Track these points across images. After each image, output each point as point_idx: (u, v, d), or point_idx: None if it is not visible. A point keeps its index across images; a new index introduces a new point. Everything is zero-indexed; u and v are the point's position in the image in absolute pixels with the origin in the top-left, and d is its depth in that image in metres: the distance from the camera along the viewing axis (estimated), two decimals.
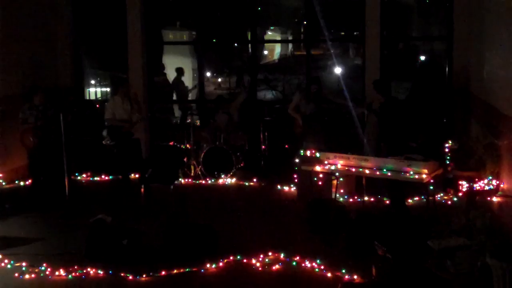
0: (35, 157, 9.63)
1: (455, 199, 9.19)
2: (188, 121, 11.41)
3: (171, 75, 14.59)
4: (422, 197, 8.70)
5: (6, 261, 6.93)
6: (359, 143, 10.12)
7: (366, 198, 8.87)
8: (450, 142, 9.64)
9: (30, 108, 9.60)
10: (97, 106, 12.31)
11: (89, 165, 11.26)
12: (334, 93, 11.09)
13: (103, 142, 10.24)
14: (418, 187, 8.20)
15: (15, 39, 10.99)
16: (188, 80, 15.41)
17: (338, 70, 12.78)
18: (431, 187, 7.86)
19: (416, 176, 7.35)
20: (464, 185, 9.38)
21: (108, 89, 14.80)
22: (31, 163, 9.81)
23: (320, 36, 12.28)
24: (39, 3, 11.80)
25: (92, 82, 14.47)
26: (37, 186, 9.71)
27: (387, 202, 8.66)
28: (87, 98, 13.58)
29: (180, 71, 14.46)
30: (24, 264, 6.83)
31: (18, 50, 11.05)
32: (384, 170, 7.55)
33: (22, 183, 10.77)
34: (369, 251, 6.56)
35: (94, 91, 14.62)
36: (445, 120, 11.52)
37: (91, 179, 11.14)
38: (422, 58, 13.47)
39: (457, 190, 9.35)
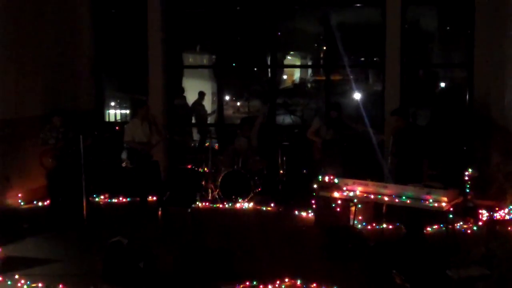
0: (53, 178, 9.70)
1: (475, 228, 9.07)
2: (206, 144, 11.42)
3: (190, 98, 14.66)
4: (442, 225, 8.62)
5: (22, 281, 6.93)
6: (378, 170, 10.05)
7: (384, 226, 8.79)
8: (470, 170, 9.55)
9: (51, 130, 9.69)
10: (117, 128, 12.38)
11: (108, 186, 11.30)
12: (354, 119, 11.05)
13: (122, 164, 10.28)
14: (437, 215, 8.11)
15: (36, 61, 11.14)
16: (207, 103, 15.47)
17: (357, 96, 12.76)
18: (451, 216, 7.79)
19: (436, 204, 7.29)
20: (484, 214, 9.29)
21: (128, 112, 14.89)
22: (50, 184, 9.87)
23: (340, 62, 12.28)
24: (60, 25, 11.96)
25: (112, 104, 14.57)
26: (55, 207, 9.75)
27: (405, 230, 8.56)
28: (107, 120, 13.67)
29: (201, 95, 14.54)
30: (40, 285, 6.84)
31: (38, 72, 11.21)
32: (404, 197, 7.49)
33: (40, 204, 10.84)
34: (387, 280, 6.50)
35: (114, 113, 14.71)
36: (465, 148, 11.42)
37: (109, 200, 11.18)
38: (442, 85, 13.40)
39: (477, 219, 9.25)
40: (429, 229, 8.73)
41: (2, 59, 10.25)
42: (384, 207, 8.45)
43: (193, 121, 14.44)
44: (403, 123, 8.77)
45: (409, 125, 8.84)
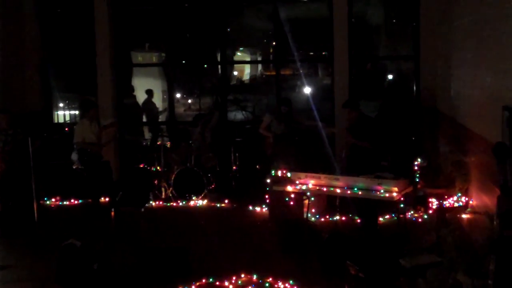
0: (3, 182, 9.48)
1: (425, 216, 9.25)
2: (158, 143, 11.34)
3: (140, 97, 14.54)
4: (393, 215, 8.76)
5: None
6: (329, 163, 10.15)
7: (338, 217, 8.89)
8: (419, 160, 9.71)
9: None
10: (66, 129, 12.19)
11: (58, 189, 11.11)
12: (305, 113, 11.13)
13: (73, 166, 10.13)
14: (389, 205, 8.24)
15: None
16: (158, 101, 15.36)
17: (307, 90, 12.86)
18: (402, 205, 7.91)
19: (387, 195, 7.39)
20: (434, 203, 9.48)
21: (77, 112, 14.66)
22: (1, 189, 9.66)
23: (289, 57, 12.35)
24: (6, 25, 11.72)
25: (61, 105, 14.32)
26: (5, 212, 9.54)
27: (359, 221, 8.68)
28: (56, 121, 13.44)
29: (150, 93, 14.41)
30: None
31: None
32: (355, 189, 7.58)
33: None
34: (342, 271, 6.56)
35: (63, 114, 14.46)
36: (414, 138, 11.65)
37: (60, 203, 11.00)
38: (390, 77, 13.62)
39: (427, 207, 9.43)
40: (381, 219, 8.86)
41: None
42: (337, 199, 8.55)
43: (144, 119, 14.31)
44: (355, 115, 8.88)
45: (360, 116, 8.95)
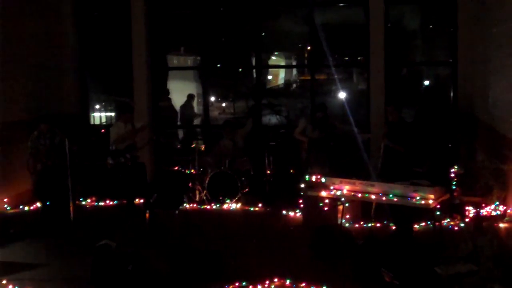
0: (41, 183, 9.62)
1: (462, 224, 9.13)
2: (193, 146, 11.41)
3: (175, 100, 14.63)
4: (429, 222, 8.66)
5: (10, 286, 6.89)
6: (364, 169, 10.08)
7: (372, 224, 8.82)
8: (456, 167, 9.60)
9: (39, 137, 9.65)
10: (102, 131, 12.33)
11: (94, 190, 11.24)
12: (340, 118, 11.09)
13: (107, 161, 10.19)
14: (424, 212, 8.14)
15: (20, 66, 11.07)
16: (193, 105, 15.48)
17: (342, 95, 12.80)
18: (438, 213, 7.81)
19: (423, 202, 7.31)
20: (470, 211, 9.35)
21: (113, 114, 14.83)
22: (38, 189, 9.81)
23: (324, 61, 12.31)
24: (43, 29, 11.90)
25: (97, 107, 14.50)
26: (43, 211, 9.69)
27: (394, 228, 8.60)
28: (92, 123, 13.61)
29: (190, 97, 14.52)
30: None
31: (23, 76, 11.15)
32: (391, 195, 7.51)
33: (26, 208, 10.77)
34: (376, 278, 6.51)
35: (99, 116, 14.63)
36: (450, 146, 11.50)
37: (96, 204, 11.13)
38: (427, 83, 13.47)
39: (463, 215, 9.30)
40: (416, 226, 8.77)
41: None
42: (372, 208, 8.47)
43: (180, 123, 14.39)
44: (397, 116, 8.81)
45: (399, 120, 8.87)
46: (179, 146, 13.93)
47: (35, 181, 9.87)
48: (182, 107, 14.45)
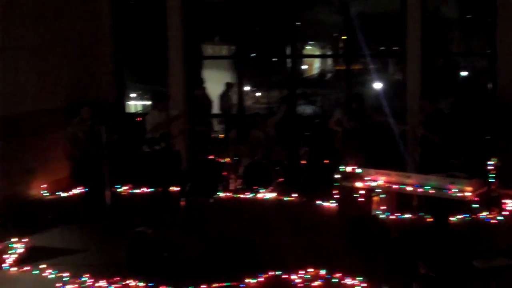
0: (79, 170, 9.71)
1: (499, 218, 9.00)
2: (228, 135, 11.45)
3: (210, 89, 14.66)
4: (466, 215, 8.56)
5: (49, 271, 7.04)
6: (400, 160, 10.01)
7: (408, 216, 8.76)
8: (494, 159, 9.46)
9: (79, 123, 9.64)
10: (138, 119, 12.44)
11: (130, 177, 11.35)
12: (375, 109, 11.00)
13: (143, 148, 10.28)
14: (461, 205, 8.05)
15: (58, 54, 11.21)
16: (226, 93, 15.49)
17: (378, 85, 12.68)
18: (475, 206, 7.72)
19: (460, 194, 7.25)
20: (508, 204, 9.21)
21: (148, 103, 14.94)
22: (76, 175, 9.93)
23: (360, 51, 12.20)
24: (80, 18, 12.02)
25: (133, 95, 14.62)
26: (82, 198, 9.82)
27: (430, 220, 8.52)
28: (128, 111, 13.74)
29: (229, 86, 14.53)
30: (66, 274, 6.93)
31: (60, 64, 11.29)
32: (427, 187, 7.45)
33: (64, 194, 10.93)
34: (411, 270, 6.46)
35: (134, 105, 14.75)
36: (488, 137, 11.31)
37: (131, 191, 11.24)
38: (465, 74, 13.27)
39: (501, 209, 9.17)
40: (453, 219, 8.68)
41: (25, 53, 10.32)
42: (414, 199, 8.39)
43: (219, 111, 14.40)
44: (432, 108, 8.71)
45: (436, 111, 8.76)
46: (214, 135, 13.96)
47: (73, 168, 9.97)
48: (221, 96, 14.47)
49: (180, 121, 10.99)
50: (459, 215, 8.80)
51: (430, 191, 7.44)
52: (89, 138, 9.37)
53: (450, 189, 7.33)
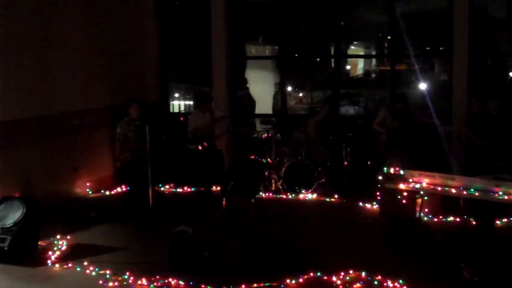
0: (128, 171, 9.76)
1: None
2: (270, 135, 11.45)
3: (253, 89, 14.70)
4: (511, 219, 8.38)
5: (91, 268, 7.13)
6: (445, 162, 9.84)
7: (452, 218, 8.61)
8: None
9: (128, 123, 9.71)
10: (181, 119, 12.53)
11: (173, 176, 11.44)
12: (420, 110, 10.85)
13: (188, 147, 10.35)
14: (507, 208, 7.87)
15: (103, 53, 11.36)
16: (270, 94, 15.49)
17: (423, 86, 12.50)
18: None
19: (506, 197, 7.07)
20: None
21: (192, 103, 15.06)
22: (121, 175, 10.02)
23: (405, 51, 12.06)
24: (125, 17, 12.18)
25: (176, 95, 14.75)
26: (129, 197, 9.92)
27: (474, 223, 8.35)
28: (172, 111, 13.87)
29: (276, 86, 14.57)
30: (108, 271, 7.01)
31: (105, 63, 11.41)
32: (472, 190, 7.30)
33: (108, 193, 11.08)
34: (455, 273, 6.36)
35: (178, 104, 14.88)
36: None
37: (174, 190, 11.33)
38: None
39: None
40: (498, 222, 8.50)
41: (70, 52, 10.50)
42: (461, 202, 8.24)
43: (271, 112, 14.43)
44: (479, 108, 8.53)
45: (483, 112, 8.58)
46: (256, 135, 13.98)
47: (121, 168, 10.03)
48: (273, 96, 14.51)
49: (223, 122, 11.03)
50: (505, 218, 8.63)
51: (475, 194, 7.27)
52: (139, 139, 9.37)
53: (495, 192, 7.16)
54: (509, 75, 13.11)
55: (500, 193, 7.12)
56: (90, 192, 10.96)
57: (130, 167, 9.63)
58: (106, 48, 11.44)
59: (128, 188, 10.12)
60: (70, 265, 7.30)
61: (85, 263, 7.27)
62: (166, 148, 11.07)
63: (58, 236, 8.26)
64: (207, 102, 10.61)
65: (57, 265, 7.33)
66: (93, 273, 7.04)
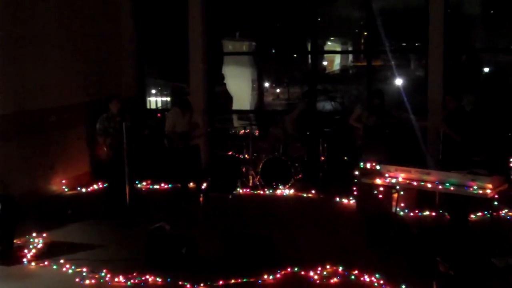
0: (102, 166, 9.69)
1: None
2: (247, 131, 11.44)
3: (231, 85, 14.70)
4: (486, 213, 8.48)
5: (67, 266, 7.09)
6: (421, 157, 9.92)
7: (427, 213, 8.68)
8: None
9: (108, 119, 9.59)
10: (159, 115, 12.49)
11: (150, 173, 11.40)
12: (396, 106, 10.92)
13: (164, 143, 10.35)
14: (482, 202, 7.96)
15: (78, 48, 11.27)
16: (247, 90, 15.49)
17: (399, 81, 12.58)
18: (496, 203, 7.61)
19: (480, 191, 7.13)
20: None
21: (169, 99, 15.00)
22: (98, 172, 9.95)
23: (381, 47, 12.12)
24: (102, 12, 12.08)
25: (153, 91, 14.68)
26: (107, 193, 9.86)
27: (449, 217, 8.44)
28: (149, 107, 13.81)
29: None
30: (84, 269, 6.97)
31: (81, 60, 11.32)
32: (447, 184, 7.36)
33: (84, 190, 11.01)
34: (431, 267, 6.41)
35: (155, 101, 14.82)
36: (510, 134, 11.19)
37: (151, 187, 11.29)
38: (487, 70, 13.13)
39: None
40: (473, 216, 8.60)
41: (45, 47, 10.40)
42: (437, 196, 8.31)
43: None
44: (455, 105, 8.59)
45: (458, 108, 8.65)
46: (233, 131, 13.98)
47: (101, 165, 9.93)
48: (251, 92, 14.54)
49: (201, 126, 11.01)
50: (480, 212, 8.73)
51: (451, 188, 7.34)
52: (120, 135, 9.21)
53: (470, 186, 7.21)
54: (483, 71, 13.24)
55: (475, 187, 7.18)
56: (66, 190, 10.87)
57: (110, 163, 9.56)
58: (82, 44, 11.34)
59: (106, 184, 10.05)
60: (46, 263, 7.25)
61: (62, 261, 7.22)
62: (148, 144, 11.01)
63: (34, 234, 8.18)
64: (187, 110, 10.56)
65: (33, 264, 7.27)
66: (70, 271, 6.99)
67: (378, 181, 7.97)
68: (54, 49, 10.60)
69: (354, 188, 9.66)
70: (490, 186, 7.10)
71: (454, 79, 11.62)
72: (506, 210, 8.94)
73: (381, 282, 6.49)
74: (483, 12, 12.86)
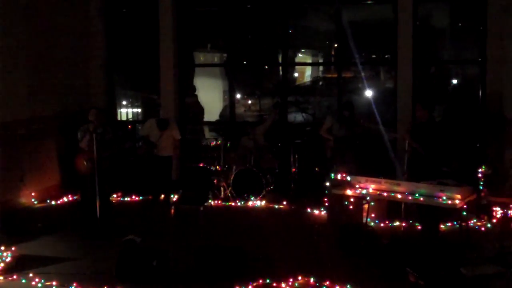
0: (87, 180, 9.51)
1: (489, 225, 9.03)
2: (218, 142, 11.45)
3: (202, 96, 14.70)
4: (455, 223, 8.59)
5: (37, 279, 6.98)
6: (391, 168, 10.02)
7: (398, 223, 8.76)
8: (483, 167, 9.48)
9: (88, 130, 9.26)
10: (129, 127, 12.42)
11: (120, 185, 11.31)
12: (366, 117, 11.02)
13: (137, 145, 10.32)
14: (451, 212, 8.07)
15: (49, 60, 11.19)
16: (218, 102, 15.50)
17: (369, 93, 12.70)
18: (464, 213, 7.73)
19: (449, 202, 7.23)
20: (498, 211, 9.24)
21: (139, 110, 14.94)
22: (68, 184, 9.84)
23: (351, 59, 12.24)
24: (72, 24, 12.02)
25: (124, 103, 14.62)
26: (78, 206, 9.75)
27: (419, 227, 8.53)
28: (119, 119, 13.72)
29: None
30: (54, 283, 6.87)
31: (51, 71, 11.26)
32: (417, 195, 7.44)
33: (53, 203, 10.88)
34: (401, 277, 6.47)
35: (126, 112, 14.75)
36: (478, 145, 11.37)
37: (121, 199, 11.21)
38: (455, 81, 13.33)
39: (491, 216, 9.21)
40: (442, 226, 8.70)
41: (15, 59, 10.29)
42: (402, 206, 8.40)
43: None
44: (423, 114, 8.63)
45: (427, 118, 8.73)
46: (204, 143, 13.97)
47: (79, 176, 9.74)
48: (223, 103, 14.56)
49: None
50: (449, 222, 8.83)
51: (420, 199, 7.42)
52: (99, 146, 8.89)
53: (439, 197, 7.31)
54: (451, 83, 13.43)
55: (444, 197, 7.27)
56: (35, 202, 10.74)
57: (88, 175, 9.40)
58: (52, 55, 11.26)
59: (74, 197, 9.94)
60: (15, 277, 7.13)
61: (31, 275, 7.11)
62: (129, 156, 10.95)
63: (3, 248, 8.05)
64: (165, 130, 10.56)
65: (1, 278, 7.15)
66: (39, 285, 6.89)
67: (348, 192, 8.03)
68: (23, 60, 10.48)
69: (325, 199, 9.71)
70: (458, 196, 7.20)
71: (423, 91, 11.76)
72: (475, 220, 9.06)
73: None
74: (451, 25, 13.05)
